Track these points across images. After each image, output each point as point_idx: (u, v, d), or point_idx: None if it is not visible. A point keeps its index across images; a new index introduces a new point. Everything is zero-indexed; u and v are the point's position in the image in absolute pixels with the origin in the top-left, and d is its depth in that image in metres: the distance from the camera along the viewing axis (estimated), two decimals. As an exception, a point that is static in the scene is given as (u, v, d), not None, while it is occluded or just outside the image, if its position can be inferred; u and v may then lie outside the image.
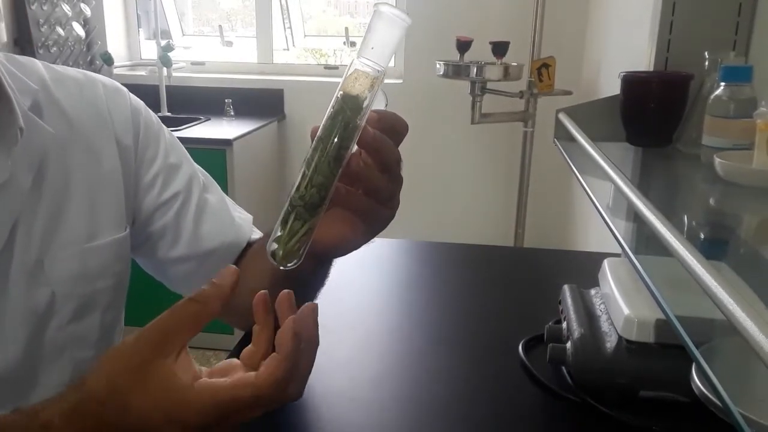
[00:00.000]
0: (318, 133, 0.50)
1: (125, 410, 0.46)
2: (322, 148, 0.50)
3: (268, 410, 0.48)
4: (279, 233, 0.51)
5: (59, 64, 2.94)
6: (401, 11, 0.49)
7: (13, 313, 0.63)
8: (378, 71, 0.50)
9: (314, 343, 0.50)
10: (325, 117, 0.51)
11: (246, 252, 0.80)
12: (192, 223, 0.76)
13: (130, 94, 0.77)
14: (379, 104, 0.52)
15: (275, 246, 0.52)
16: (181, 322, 0.47)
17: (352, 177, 0.53)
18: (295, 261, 0.52)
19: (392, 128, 0.54)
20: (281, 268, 0.52)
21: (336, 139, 0.50)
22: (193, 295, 0.48)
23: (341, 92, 0.50)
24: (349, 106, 0.50)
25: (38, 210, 0.65)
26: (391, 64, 2.88)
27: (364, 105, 0.50)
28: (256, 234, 0.83)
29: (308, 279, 0.74)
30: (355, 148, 0.51)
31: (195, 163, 0.81)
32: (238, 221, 0.81)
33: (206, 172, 0.83)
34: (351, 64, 0.50)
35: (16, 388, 0.64)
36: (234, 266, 0.51)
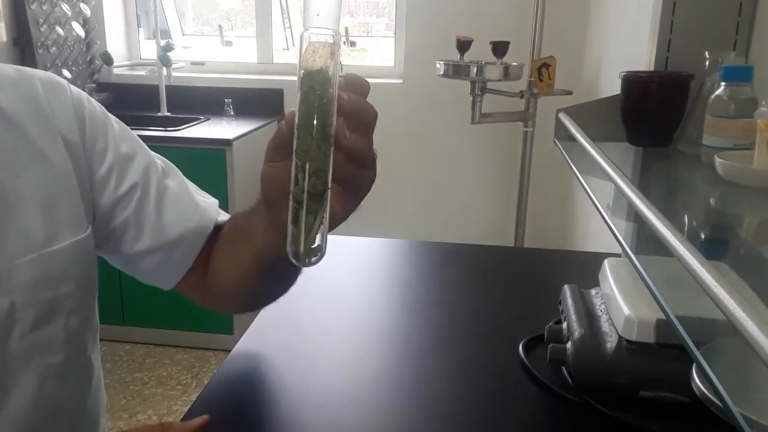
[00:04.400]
0: (296, 121, 0.48)
1: None
2: (306, 134, 0.47)
3: None
4: (293, 234, 0.49)
5: (59, 64, 2.93)
6: None
7: None
8: (333, 36, 0.47)
9: None
10: (298, 102, 0.48)
11: (218, 236, 0.77)
12: (154, 213, 0.74)
13: (71, 85, 0.72)
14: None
15: (294, 247, 0.49)
16: None
17: (337, 147, 0.50)
18: (319, 255, 0.49)
19: (360, 88, 0.51)
20: (305, 266, 0.50)
21: (317, 120, 0.47)
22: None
23: (302, 71, 0.48)
24: (316, 82, 0.47)
25: None
26: (391, 64, 2.88)
27: (331, 74, 0.48)
28: (223, 216, 0.79)
29: (286, 267, 0.69)
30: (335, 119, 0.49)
31: (150, 150, 0.77)
32: (203, 205, 0.78)
33: (165, 159, 0.79)
34: (301, 39, 0.48)
35: None
36: (206, 416, 0.57)
